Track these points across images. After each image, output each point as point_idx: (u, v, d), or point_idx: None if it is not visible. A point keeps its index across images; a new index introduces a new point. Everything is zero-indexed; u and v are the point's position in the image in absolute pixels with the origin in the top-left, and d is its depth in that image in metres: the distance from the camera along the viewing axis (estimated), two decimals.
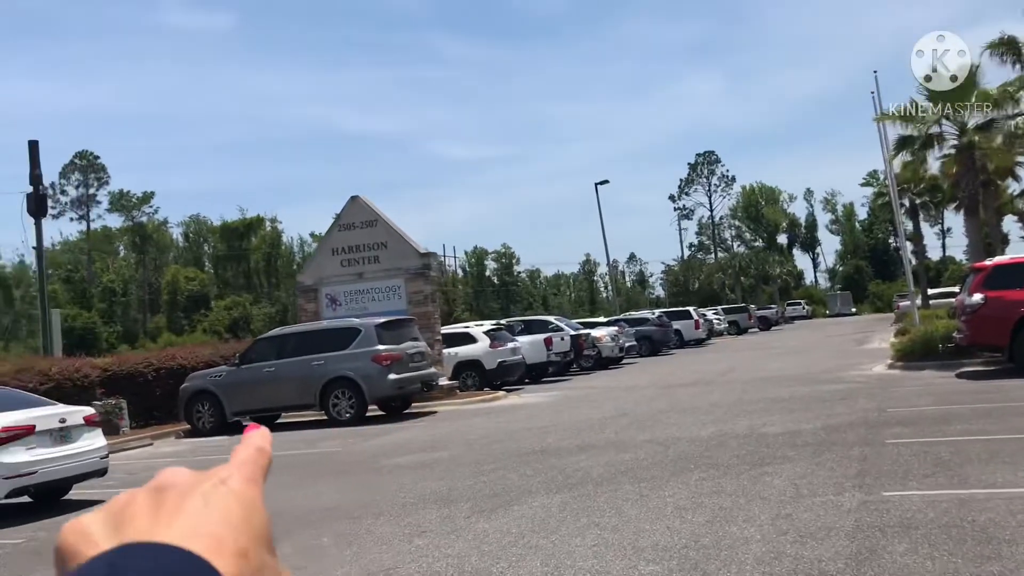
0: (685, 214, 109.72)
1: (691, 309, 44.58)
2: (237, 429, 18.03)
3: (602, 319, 36.08)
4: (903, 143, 21.27)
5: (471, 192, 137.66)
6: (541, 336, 25.17)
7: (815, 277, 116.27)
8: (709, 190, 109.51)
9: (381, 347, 17.16)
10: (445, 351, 22.82)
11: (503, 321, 31.97)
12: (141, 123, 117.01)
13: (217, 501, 0.51)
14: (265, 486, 0.56)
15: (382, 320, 17.94)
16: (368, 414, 18.50)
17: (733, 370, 23.16)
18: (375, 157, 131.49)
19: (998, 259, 15.70)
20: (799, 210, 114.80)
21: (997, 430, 9.73)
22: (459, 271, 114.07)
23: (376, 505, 8.67)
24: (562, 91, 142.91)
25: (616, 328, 31.64)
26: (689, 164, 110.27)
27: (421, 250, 20.87)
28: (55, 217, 67.87)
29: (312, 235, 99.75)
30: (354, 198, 21.29)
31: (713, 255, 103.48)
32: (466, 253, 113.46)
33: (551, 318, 30.78)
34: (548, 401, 18.97)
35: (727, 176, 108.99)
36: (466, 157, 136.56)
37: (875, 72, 23.13)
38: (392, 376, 17.02)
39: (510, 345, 23.02)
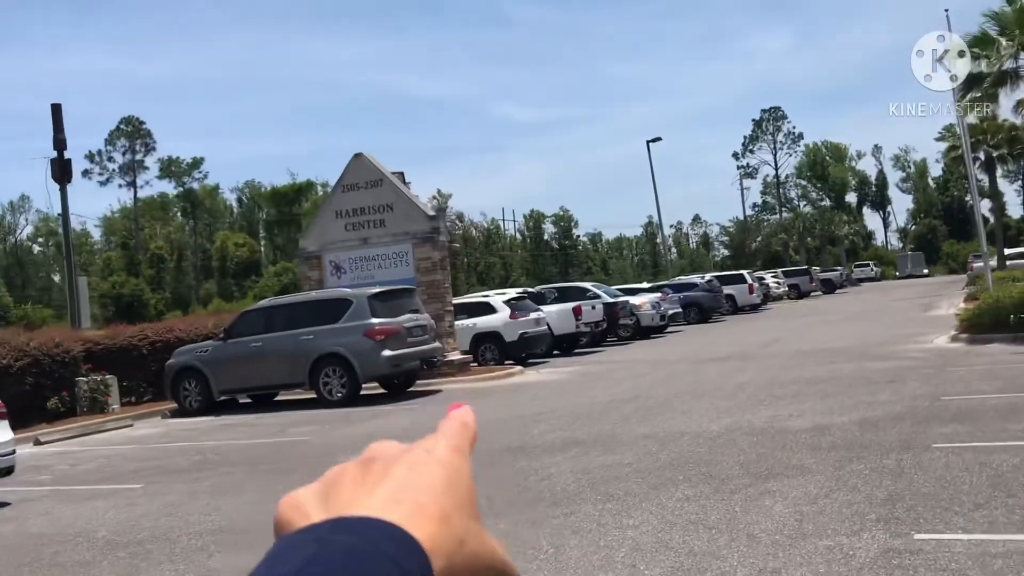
0: (749, 173, 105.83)
1: (745, 272, 42.09)
2: (226, 408, 16.68)
3: (645, 285, 33.98)
4: (972, 82, 18.60)
5: (534, 155, 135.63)
6: (570, 305, 23.28)
7: (886, 237, 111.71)
8: (774, 148, 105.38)
9: (375, 320, 15.51)
10: (463, 322, 21.14)
11: (536, 288, 30.18)
12: (202, 90, 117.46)
13: (421, 469, 0.51)
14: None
15: (377, 290, 16.28)
16: (366, 392, 16.96)
17: (778, 341, 21.01)
18: (436, 121, 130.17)
19: None
20: (869, 168, 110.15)
21: None
22: (517, 235, 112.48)
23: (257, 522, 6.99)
24: (627, 51, 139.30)
25: (658, 295, 29.56)
26: (754, 120, 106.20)
27: (429, 212, 19.11)
28: (102, 184, 67.95)
29: None
30: (357, 155, 19.59)
31: (778, 215, 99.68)
32: (524, 217, 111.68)
33: (588, 285, 28.86)
34: (564, 378, 17.17)
35: (793, 133, 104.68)
36: (529, 120, 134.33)
37: (946, 11, 20.45)
38: (387, 352, 15.38)
39: (533, 315, 21.21)
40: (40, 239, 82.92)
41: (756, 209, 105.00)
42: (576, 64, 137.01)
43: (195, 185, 75.00)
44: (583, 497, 6.97)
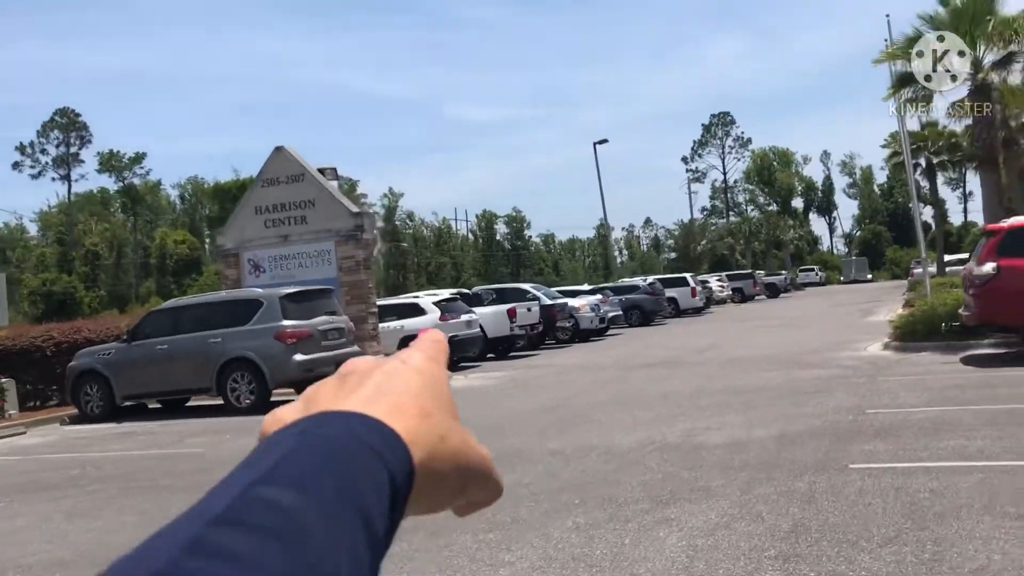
0: (698, 177, 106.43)
1: (687, 276, 41.84)
2: (130, 414, 15.71)
3: (586, 287, 33.48)
4: (903, 81, 18.29)
5: (489, 156, 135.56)
6: (505, 307, 22.60)
7: (831, 243, 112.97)
8: (723, 152, 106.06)
9: (286, 323, 14.68)
10: (390, 324, 20.36)
11: (474, 289, 29.48)
12: (148, 85, 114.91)
13: (398, 375, 0.52)
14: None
15: (289, 290, 15.44)
16: (279, 398, 16.10)
17: (714, 347, 20.56)
18: (389, 121, 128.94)
19: (1014, 220, 12.96)
20: (816, 174, 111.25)
21: (1001, 451, 7.13)
22: (469, 235, 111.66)
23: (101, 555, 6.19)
24: (583, 55, 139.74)
25: (598, 298, 29.02)
26: (703, 125, 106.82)
27: (353, 209, 18.29)
28: (34, 177, 65.57)
29: None
30: (278, 149, 18.72)
31: (726, 219, 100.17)
32: (477, 217, 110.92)
33: (527, 286, 28.22)
34: (491, 384, 16.48)
35: (742, 138, 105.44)
36: (484, 120, 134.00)
37: (887, 16, 20.19)
38: (298, 357, 14.55)
39: (464, 317, 20.50)
40: None
41: (705, 213, 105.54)
42: (531, 66, 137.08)
43: (136, 181, 72.88)
44: (466, 525, 6.26)
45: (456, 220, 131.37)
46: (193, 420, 14.43)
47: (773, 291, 60.28)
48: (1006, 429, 7.91)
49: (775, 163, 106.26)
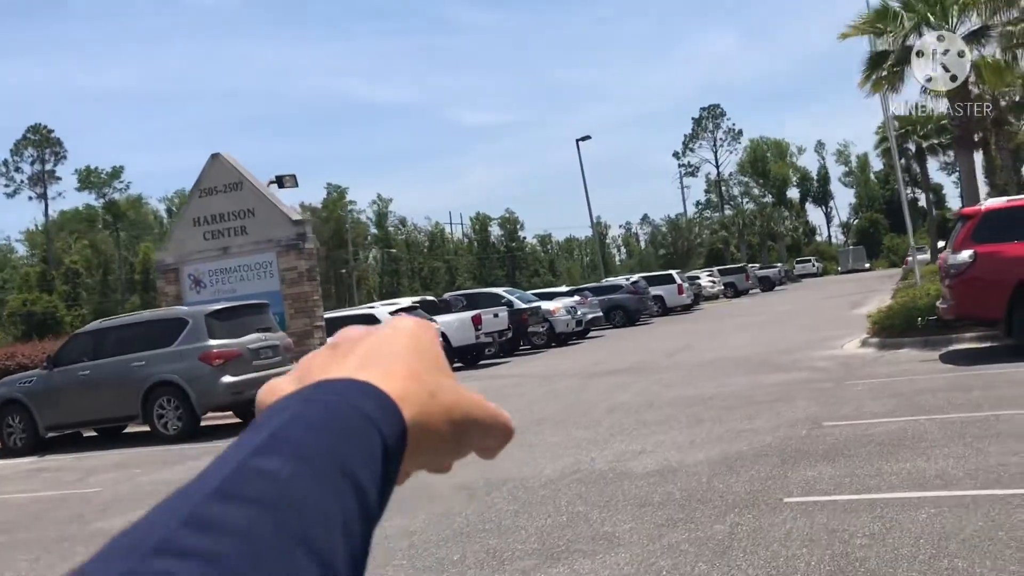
0: (690, 171, 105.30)
1: (674, 273, 40.68)
2: (57, 445, 14.65)
3: (563, 289, 32.36)
4: (876, 62, 17.13)
5: (485, 160, 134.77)
6: (469, 314, 21.50)
7: (829, 232, 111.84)
8: (715, 145, 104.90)
9: (212, 342, 13.58)
10: None
11: (446, 295, 28.39)
12: (143, 101, 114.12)
13: (388, 340, 0.54)
14: None
15: (217, 307, 14.36)
16: (216, 422, 15.07)
17: (688, 347, 19.45)
18: (385, 127, 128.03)
19: (991, 202, 11.83)
20: (811, 164, 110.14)
21: (963, 476, 6.02)
22: (464, 239, 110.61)
23: None
24: (575, 55, 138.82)
25: (575, 299, 27.91)
26: (693, 119, 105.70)
27: (294, 217, 17.19)
28: (10, 196, 64.45)
29: (302, 205, 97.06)
30: (215, 155, 17.66)
31: (720, 213, 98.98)
32: (471, 220, 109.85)
33: (501, 291, 27.14)
34: None
35: (733, 130, 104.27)
36: (480, 124, 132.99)
37: None
38: (227, 379, 13.45)
39: None
40: None
41: (699, 207, 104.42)
42: (525, 68, 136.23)
43: (117, 196, 71.86)
44: None
45: (451, 224, 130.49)
46: (115, 452, 13.33)
47: (767, 284, 59.08)
48: (974, 444, 6.80)
49: (769, 154, 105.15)
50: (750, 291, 54.23)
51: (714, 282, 50.45)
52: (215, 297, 17.24)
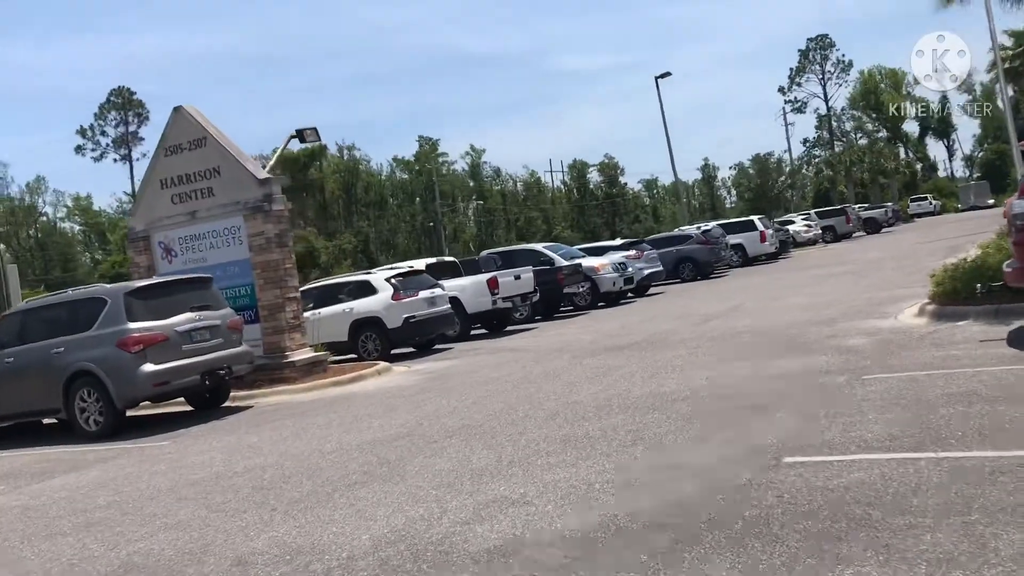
0: (797, 107, 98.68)
1: (755, 218, 37.18)
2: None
3: (617, 242, 29.56)
4: None
5: (588, 105, 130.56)
6: (483, 277, 19.17)
7: (951, 167, 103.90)
8: (823, 79, 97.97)
9: (132, 325, 11.74)
10: (339, 307, 17.33)
11: (483, 254, 26.08)
12: (250, 62, 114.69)
13: None
14: None
15: (141, 284, 12.53)
16: (166, 411, 13.39)
17: (731, 312, 16.66)
18: (487, 78, 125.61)
19: None
20: (930, 94, 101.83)
21: None
22: (561, 187, 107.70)
23: None
24: None
25: (625, 254, 25.16)
26: (799, 51, 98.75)
27: (260, 175, 15.11)
28: (96, 160, 65.13)
29: (395, 160, 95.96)
30: (177, 109, 15.77)
31: (831, 150, 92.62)
32: (569, 167, 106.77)
33: (541, 247, 24.61)
34: (415, 384, 13.24)
35: (843, 61, 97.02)
36: (581, 68, 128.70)
37: None
38: (148, 367, 11.61)
39: (425, 294, 17.22)
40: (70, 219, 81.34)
41: (807, 145, 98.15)
42: (627, 9, 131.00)
43: None
44: None
45: (551, 172, 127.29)
46: (29, 452, 11.71)
47: (873, 226, 54.31)
48: (975, 529, 4.16)
49: (882, 85, 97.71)
50: (853, 235, 49.78)
51: (810, 226, 46.43)
52: (186, 267, 15.50)
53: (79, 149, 65.20)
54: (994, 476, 4.87)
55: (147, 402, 12.78)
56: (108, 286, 12.80)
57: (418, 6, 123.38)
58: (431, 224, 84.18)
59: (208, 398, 13.34)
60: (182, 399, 13.43)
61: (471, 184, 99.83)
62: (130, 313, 11.81)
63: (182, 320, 12.11)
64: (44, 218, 74.23)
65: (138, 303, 11.97)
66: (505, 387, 11.14)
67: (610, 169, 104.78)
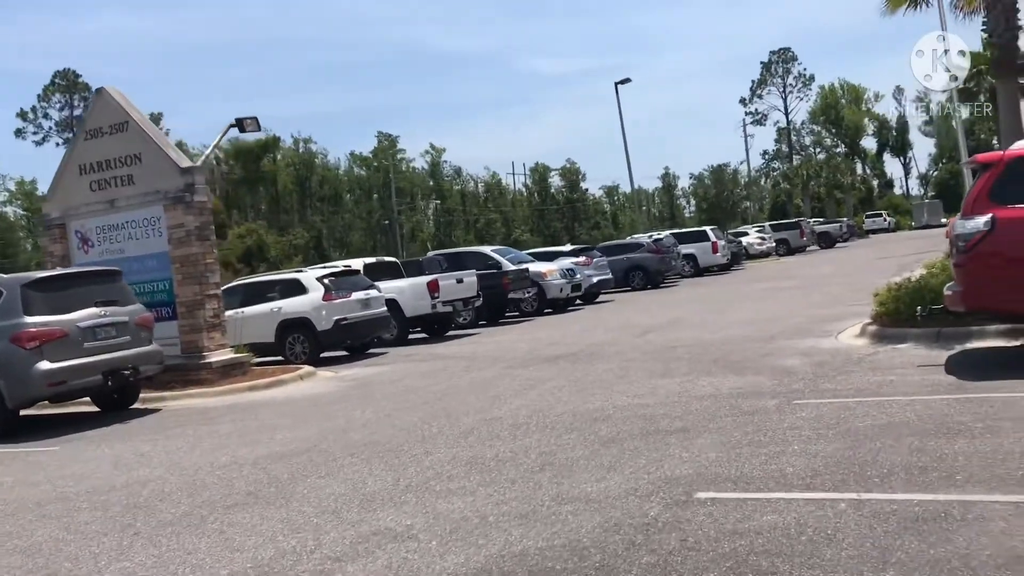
0: (758, 119, 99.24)
1: (708, 229, 36.99)
2: None
3: (566, 248, 29.09)
4: None
5: (557, 109, 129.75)
6: (424, 279, 18.52)
7: (906, 185, 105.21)
8: (784, 91, 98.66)
9: (28, 319, 10.95)
10: (267, 305, 16.59)
11: (428, 255, 25.48)
12: (231, 51, 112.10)
13: None
14: None
15: (41, 275, 11.72)
16: (71, 410, 12.58)
17: (672, 324, 16.21)
18: (459, 76, 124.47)
19: (1018, 146, 8.33)
20: (889, 111, 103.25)
21: None
22: (522, 190, 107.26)
23: None
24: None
25: (574, 260, 24.69)
26: (762, 63, 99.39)
27: (182, 164, 14.34)
28: (38, 144, 63.20)
29: (352, 155, 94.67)
30: (99, 91, 15.00)
31: (790, 163, 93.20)
32: (531, 170, 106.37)
33: (488, 250, 24.04)
34: (333, 391, 12.58)
35: (804, 75, 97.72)
36: (552, 72, 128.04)
37: None
38: (44, 365, 10.82)
39: (358, 295, 16.54)
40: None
41: (766, 157, 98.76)
42: (596, 14, 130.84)
43: None
44: None
45: (513, 175, 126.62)
46: None
47: (828, 241, 54.58)
48: None
49: (843, 100, 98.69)
50: (807, 248, 49.88)
51: (763, 239, 46.43)
52: (103, 259, 14.68)
53: (19, 132, 63.32)
54: (917, 524, 4.38)
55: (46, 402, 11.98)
56: (5, 276, 11.96)
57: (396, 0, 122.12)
58: (387, 222, 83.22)
59: (116, 399, 12.57)
60: (88, 399, 12.65)
61: (431, 183, 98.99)
62: (27, 306, 11.01)
63: (85, 315, 11.34)
64: None
65: (37, 296, 11.17)
66: (427, 398, 10.53)
67: (572, 174, 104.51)
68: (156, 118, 76.52)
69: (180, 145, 67.96)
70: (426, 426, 8.57)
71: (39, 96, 63.08)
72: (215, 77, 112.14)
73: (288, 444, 8.52)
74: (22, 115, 64.29)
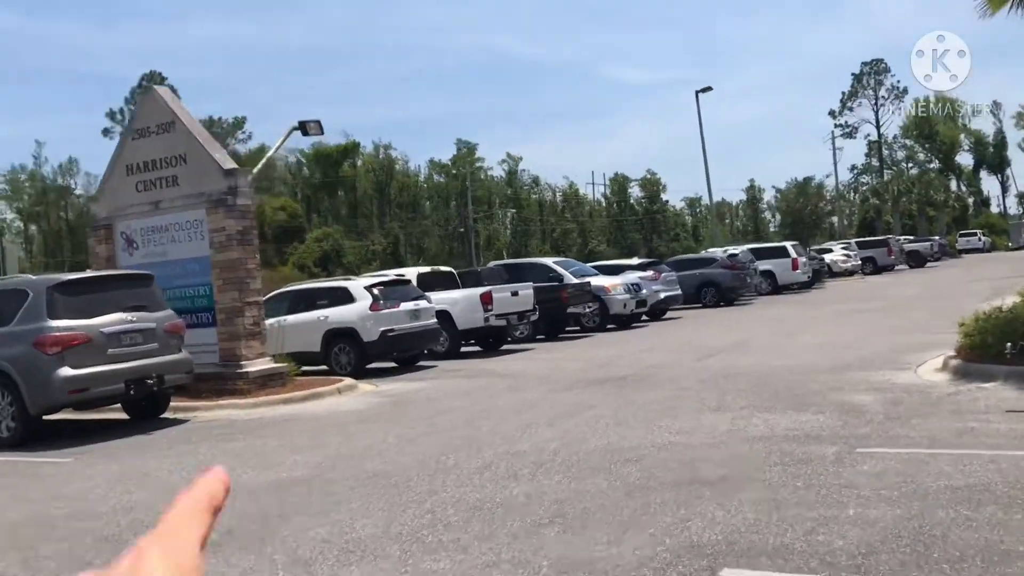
0: (847, 132, 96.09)
1: (788, 245, 35.32)
2: None
3: (634, 262, 27.97)
4: None
5: (642, 119, 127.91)
6: (477, 291, 17.78)
7: (1003, 203, 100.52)
8: (876, 104, 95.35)
9: (53, 323, 10.55)
10: (314, 313, 16.08)
11: (490, 264, 24.76)
12: (318, 57, 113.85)
13: None
14: None
15: (69, 277, 11.35)
16: (100, 417, 12.18)
17: (737, 347, 15.12)
18: (542, 85, 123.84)
19: None
20: (986, 127, 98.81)
21: None
22: (601, 200, 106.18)
23: None
24: (743, 8, 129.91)
25: (640, 275, 23.64)
26: (853, 75, 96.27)
27: (226, 165, 13.89)
28: None
29: (431, 162, 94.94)
30: (146, 89, 14.74)
31: (880, 178, 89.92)
32: (610, 181, 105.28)
33: (551, 262, 23.21)
34: (359, 408, 11.90)
35: (897, 87, 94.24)
36: (638, 81, 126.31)
37: None
38: (65, 372, 10.40)
39: (407, 306, 15.88)
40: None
41: (854, 171, 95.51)
42: (684, 25, 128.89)
43: (239, 147, 71.54)
44: None
45: (592, 184, 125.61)
46: None
47: (918, 260, 52.01)
48: None
49: (937, 114, 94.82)
50: (895, 267, 47.59)
51: (849, 256, 44.40)
52: (146, 261, 14.35)
53: (107, 132, 64.94)
54: None
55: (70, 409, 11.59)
56: (34, 278, 11.63)
57: (474, 7, 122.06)
58: (462, 230, 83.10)
59: (145, 407, 12.14)
60: (119, 406, 12.26)
61: (508, 192, 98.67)
62: (52, 310, 10.62)
63: (111, 321, 10.90)
64: (78, 200, 74.16)
65: (63, 299, 10.77)
66: (456, 422, 9.76)
67: (652, 185, 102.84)
68: (240, 122, 78.13)
69: (263, 150, 69.01)
70: (444, 457, 7.79)
71: (126, 99, 64.68)
72: (300, 83, 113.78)
73: (295, 469, 7.84)
74: (111, 115, 66.08)
